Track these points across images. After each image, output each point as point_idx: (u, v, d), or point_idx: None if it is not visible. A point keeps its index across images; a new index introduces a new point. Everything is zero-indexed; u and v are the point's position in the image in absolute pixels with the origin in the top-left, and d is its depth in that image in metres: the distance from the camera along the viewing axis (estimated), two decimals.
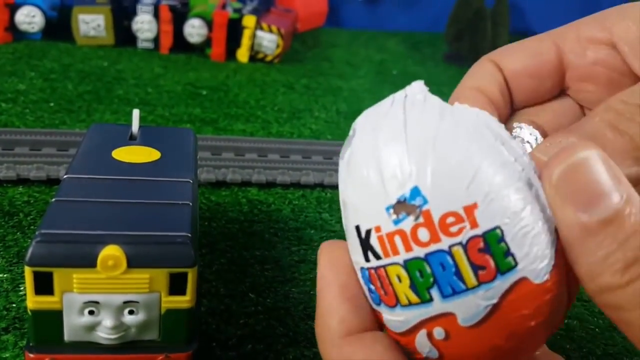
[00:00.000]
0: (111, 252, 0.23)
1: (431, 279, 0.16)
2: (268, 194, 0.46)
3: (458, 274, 0.16)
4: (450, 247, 0.16)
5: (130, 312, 0.24)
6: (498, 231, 0.16)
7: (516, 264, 0.16)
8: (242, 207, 0.44)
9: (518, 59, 0.22)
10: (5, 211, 0.39)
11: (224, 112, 0.63)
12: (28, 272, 0.23)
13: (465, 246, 0.16)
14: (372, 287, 0.18)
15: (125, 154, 0.31)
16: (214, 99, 0.67)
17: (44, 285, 0.23)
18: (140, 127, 0.35)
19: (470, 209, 0.16)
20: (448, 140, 0.16)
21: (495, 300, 0.16)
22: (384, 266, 0.17)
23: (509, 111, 0.23)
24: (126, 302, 0.24)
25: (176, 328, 0.25)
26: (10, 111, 0.55)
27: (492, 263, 0.16)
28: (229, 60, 0.82)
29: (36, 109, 0.57)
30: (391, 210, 0.17)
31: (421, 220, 0.16)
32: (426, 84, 0.19)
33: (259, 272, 0.37)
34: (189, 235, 0.25)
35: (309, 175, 0.48)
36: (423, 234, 0.16)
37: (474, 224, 0.16)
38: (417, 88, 0.18)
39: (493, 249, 0.16)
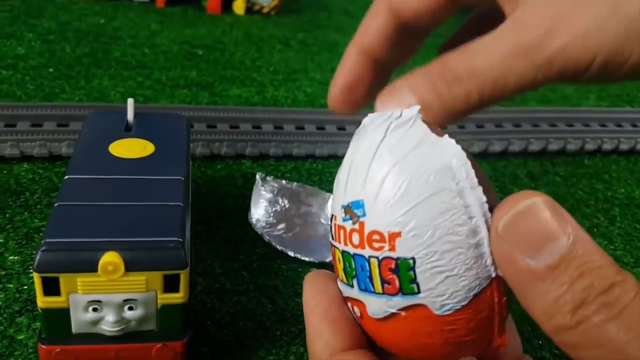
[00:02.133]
0: (110, 259, 0.26)
1: (354, 272, 0.20)
2: (261, 167, 0.49)
3: (370, 278, 0.19)
4: (369, 257, 0.19)
5: (130, 308, 0.27)
6: (410, 261, 0.18)
7: (419, 291, 0.18)
8: (237, 181, 0.46)
9: None
10: (12, 190, 0.42)
11: (220, 74, 0.64)
12: (37, 277, 0.26)
13: (380, 261, 0.19)
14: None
15: (121, 148, 0.33)
16: (210, 59, 0.67)
17: (51, 287, 0.26)
18: (135, 114, 0.36)
19: (393, 236, 0.18)
20: (404, 171, 0.18)
21: (394, 310, 0.19)
22: (334, 247, 0.20)
23: (400, 53, 0.24)
24: (126, 300, 0.27)
25: (172, 320, 0.28)
26: (11, 79, 0.57)
27: (397, 283, 0.18)
28: (225, 13, 0.81)
29: (36, 76, 0.58)
30: (342, 210, 0.20)
31: (357, 227, 0.19)
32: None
33: (251, 249, 0.40)
34: (180, 240, 0.27)
35: (300, 148, 0.50)
36: (355, 238, 0.19)
37: (392, 249, 0.18)
38: (411, 112, 0.19)
39: (401, 273, 0.18)
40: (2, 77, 0.57)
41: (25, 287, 0.34)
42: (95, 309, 0.27)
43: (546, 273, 0.16)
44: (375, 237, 0.18)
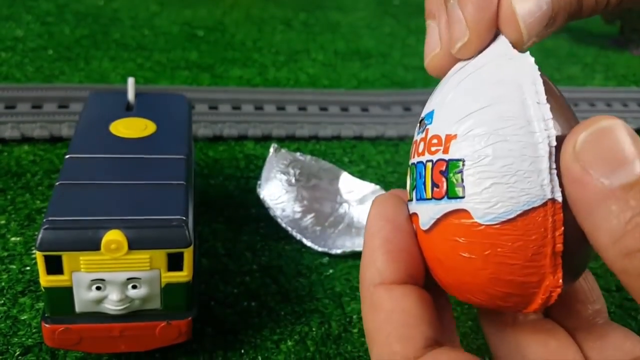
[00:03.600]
0: (113, 237, 0.25)
1: (414, 183, 0.20)
2: (264, 148, 0.48)
3: (424, 184, 0.19)
4: (426, 161, 0.19)
5: (134, 287, 0.27)
6: (460, 163, 0.18)
7: (463, 195, 0.18)
8: (239, 163, 0.46)
9: None
10: (13, 172, 0.42)
11: (221, 56, 0.63)
12: (39, 256, 0.25)
13: (433, 164, 0.19)
14: None
15: (122, 128, 0.32)
16: (211, 40, 0.67)
17: (54, 266, 0.26)
18: (136, 95, 0.36)
19: (449, 138, 0.18)
20: (475, 79, 0.19)
21: (438, 216, 0.19)
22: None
23: None
24: (129, 279, 0.27)
25: (176, 299, 0.28)
26: (10, 61, 0.56)
27: (444, 185, 0.18)
28: None
29: (35, 58, 0.57)
30: (418, 125, 0.21)
31: (423, 135, 0.20)
32: None
33: (254, 230, 0.39)
34: (184, 218, 0.27)
35: (303, 129, 0.49)
36: (421, 147, 0.20)
37: (446, 150, 0.18)
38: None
39: (449, 175, 0.18)
40: (1, 59, 0.56)
41: (28, 268, 0.34)
42: (98, 288, 0.26)
43: (619, 193, 0.15)
44: (434, 141, 0.19)
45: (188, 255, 0.27)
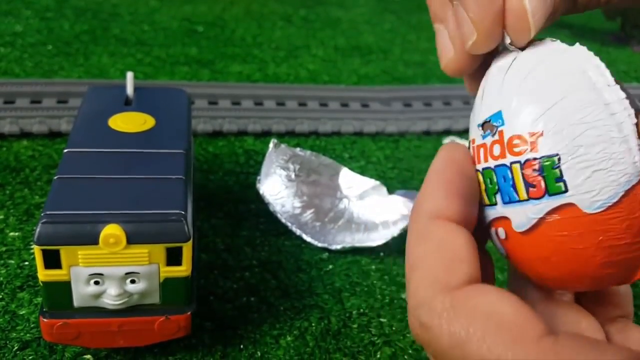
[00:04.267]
0: (112, 231, 0.25)
1: (496, 187, 0.20)
2: (264, 143, 0.48)
3: (514, 186, 0.19)
4: (511, 163, 0.19)
5: (132, 282, 0.27)
6: (555, 159, 0.18)
7: (566, 190, 0.18)
8: (239, 158, 0.46)
9: None
10: (12, 167, 0.41)
11: (221, 51, 0.63)
12: (37, 250, 0.25)
13: (522, 165, 0.19)
14: None
15: (121, 122, 0.32)
16: (211, 36, 0.66)
17: (52, 260, 0.26)
18: (135, 89, 0.36)
19: (535, 135, 0.18)
20: (539, 75, 0.19)
21: (541, 215, 0.18)
22: (476, 171, 0.21)
23: None
24: (128, 273, 0.26)
25: (175, 293, 0.28)
26: (9, 56, 0.56)
27: (542, 183, 0.18)
28: None
29: (34, 53, 0.57)
30: (481, 127, 0.20)
31: (497, 138, 0.19)
32: None
33: (254, 226, 0.39)
34: (183, 212, 0.26)
35: (303, 124, 0.49)
36: (496, 150, 0.19)
37: (534, 149, 0.18)
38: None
39: (546, 173, 0.18)
40: (0, 54, 0.56)
41: (27, 263, 0.34)
42: (97, 282, 0.26)
43: None
44: (516, 141, 0.19)
45: (187, 249, 0.27)
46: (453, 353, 0.17)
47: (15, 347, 0.29)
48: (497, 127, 0.19)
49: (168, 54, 0.61)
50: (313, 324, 0.33)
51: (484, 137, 0.20)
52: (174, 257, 0.27)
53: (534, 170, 0.18)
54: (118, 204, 0.26)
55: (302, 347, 0.31)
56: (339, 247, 0.38)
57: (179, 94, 0.37)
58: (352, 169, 0.44)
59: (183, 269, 0.27)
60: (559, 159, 0.18)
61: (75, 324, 0.27)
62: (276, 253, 0.37)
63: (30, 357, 0.29)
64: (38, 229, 0.25)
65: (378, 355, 0.31)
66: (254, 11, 0.76)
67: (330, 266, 0.37)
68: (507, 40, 0.20)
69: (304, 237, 0.38)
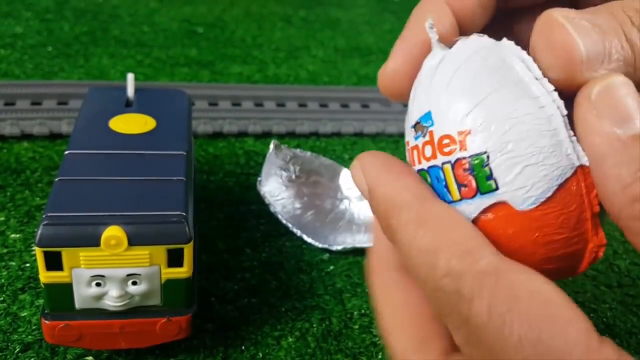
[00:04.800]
0: (113, 233, 0.25)
1: (431, 188, 0.19)
2: (264, 144, 0.48)
3: (447, 187, 0.19)
4: (442, 164, 0.19)
5: (134, 283, 0.27)
6: (484, 156, 0.18)
7: (497, 188, 0.18)
8: (239, 159, 0.46)
9: None
10: (12, 169, 0.41)
11: (221, 52, 0.63)
12: (39, 252, 0.25)
13: (453, 165, 0.18)
14: None
15: (121, 124, 0.32)
16: (210, 37, 0.66)
17: (53, 262, 0.26)
18: (135, 90, 0.36)
19: (463, 134, 0.18)
20: (466, 72, 0.18)
21: (475, 215, 0.18)
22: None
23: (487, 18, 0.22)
24: (129, 275, 0.26)
25: (176, 295, 0.28)
26: (10, 58, 0.56)
27: (473, 183, 0.18)
28: None
29: (34, 55, 0.57)
30: (413, 129, 0.20)
31: (427, 138, 0.19)
32: None
33: (254, 227, 0.39)
34: (184, 214, 0.27)
35: (303, 125, 0.49)
36: (428, 151, 0.19)
37: (463, 147, 0.18)
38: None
39: (476, 171, 0.18)
40: (0, 56, 0.56)
41: (28, 264, 0.34)
42: (98, 284, 0.26)
43: (632, 142, 0.16)
44: (445, 141, 0.18)
45: (188, 251, 0.27)
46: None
47: (17, 349, 0.29)
48: (427, 127, 0.19)
49: (168, 55, 0.61)
50: (314, 325, 0.33)
51: (416, 138, 0.20)
52: (175, 259, 0.27)
53: (465, 169, 0.18)
54: (119, 206, 0.26)
55: (303, 348, 0.31)
56: (339, 248, 0.38)
57: (179, 95, 0.37)
58: None
59: (184, 271, 0.27)
60: (488, 157, 0.17)
61: (77, 326, 0.27)
62: (277, 254, 0.37)
63: (32, 359, 0.29)
64: (39, 231, 0.25)
65: (379, 356, 0.31)
66: (253, 12, 0.76)
67: (331, 267, 0.37)
68: (435, 38, 0.20)
69: (305, 238, 0.38)
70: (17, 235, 0.36)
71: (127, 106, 0.34)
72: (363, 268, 0.37)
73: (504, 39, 0.19)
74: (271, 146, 0.41)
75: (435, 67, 0.19)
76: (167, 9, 0.73)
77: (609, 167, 0.16)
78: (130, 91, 0.35)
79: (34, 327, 0.30)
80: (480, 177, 0.18)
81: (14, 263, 0.34)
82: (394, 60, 0.21)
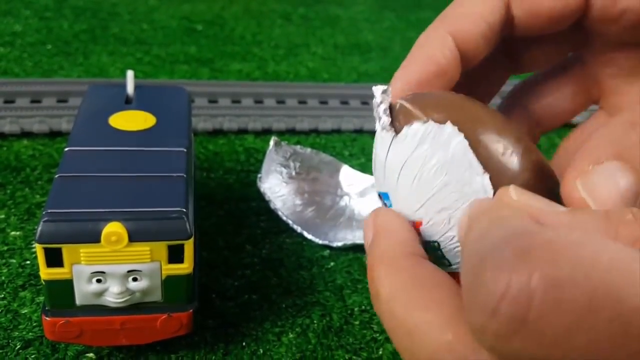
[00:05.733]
0: (113, 229, 0.25)
1: None
2: (264, 141, 0.48)
3: None
4: None
5: (134, 279, 0.27)
6: (435, 244, 0.20)
7: (450, 264, 0.20)
8: (239, 156, 0.46)
9: (470, 23, 0.22)
10: (12, 167, 0.41)
11: (220, 50, 0.63)
12: (39, 248, 0.25)
13: None
14: None
15: (121, 121, 0.32)
16: (210, 35, 0.66)
17: (54, 259, 0.26)
18: (135, 87, 0.36)
19: (417, 225, 0.20)
20: (414, 167, 0.19)
21: None
22: None
23: (458, 76, 0.23)
24: (130, 271, 0.26)
25: (177, 291, 0.28)
26: (9, 56, 0.56)
27: (432, 258, 0.20)
28: None
29: (34, 53, 0.57)
30: (379, 197, 0.22)
31: None
32: None
33: (254, 224, 0.39)
34: (184, 210, 0.26)
35: (303, 122, 0.49)
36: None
37: (419, 233, 0.20)
38: (378, 97, 0.21)
39: (431, 253, 0.20)
40: None
41: (28, 262, 0.34)
42: (99, 280, 0.26)
43: None
44: None
45: (188, 247, 0.27)
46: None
47: (18, 346, 0.29)
48: (388, 205, 0.21)
49: (167, 53, 0.61)
50: (315, 321, 0.33)
51: (382, 204, 0.22)
52: (175, 255, 0.27)
53: (425, 247, 0.20)
54: (119, 202, 0.26)
55: (304, 344, 0.31)
56: (340, 244, 0.38)
57: (179, 92, 0.37)
58: (352, 166, 0.44)
59: (185, 267, 0.27)
60: (439, 245, 0.20)
61: (78, 323, 0.27)
62: (277, 251, 0.37)
63: (32, 356, 0.29)
64: (40, 227, 0.25)
65: (380, 352, 0.31)
66: (253, 9, 0.76)
67: (332, 263, 0.37)
68: (386, 121, 0.20)
69: (305, 234, 0.38)
70: (18, 233, 0.36)
71: (127, 103, 0.34)
72: (363, 264, 0.37)
73: (448, 124, 0.18)
74: (271, 143, 0.41)
75: (387, 149, 0.20)
76: (166, 6, 0.73)
77: None
78: (130, 88, 0.35)
79: (34, 324, 0.30)
80: (436, 256, 0.20)
81: (14, 260, 0.34)
82: (395, 87, 0.21)
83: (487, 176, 0.18)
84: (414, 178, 0.19)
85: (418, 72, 0.21)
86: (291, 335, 0.32)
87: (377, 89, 0.21)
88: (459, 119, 0.18)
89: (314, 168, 0.41)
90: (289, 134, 0.49)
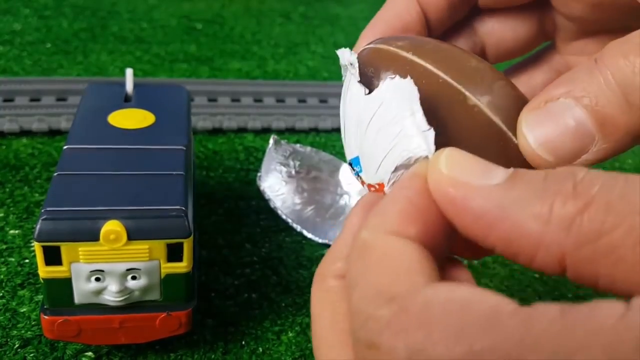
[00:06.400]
0: (112, 227, 0.25)
1: None
2: (263, 140, 0.48)
3: None
4: None
5: (133, 278, 0.27)
6: None
7: None
8: (239, 155, 0.46)
9: None
10: (11, 165, 0.41)
11: (220, 48, 0.63)
12: (37, 247, 0.25)
13: None
14: None
15: (120, 119, 0.32)
16: (210, 33, 0.66)
17: (52, 257, 0.25)
18: (135, 86, 0.36)
19: (381, 187, 0.20)
20: (378, 122, 0.19)
21: None
22: None
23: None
24: (129, 270, 0.26)
25: (176, 290, 0.28)
26: (8, 54, 0.56)
27: None
28: None
29: (33, 51, 0.57)
30: (350, 166, 0.22)
31: (361, 181, 0.21)
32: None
33: (254, 222, 0.39)
34: (183, 208, 0.26)
35: (303, 121, 0.49)
36: (364, 191, 0.21)
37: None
38: (346, 57, 0.20)
39: None
40: None
41: (27, 260, 0.34)
42: (97, 279, 0.26)
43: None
44: (372, 188, 0.20)
45: (188, 245, 0.27)
46: None
47: (17, 345, 0.29)
48: (358, 172, 0.21)
49: (167, 52, 0.61)
50: None
51: (354, 174, 0.21)
52: (174, 253, 0.27)
53: None
54: (118, 200, 0.26)
55: (303, 342, 0.31)
56: None
57: (178, 91, 0.36)
58: None
59: (184, 265, 0.27)
60: None
61: (76, 321, 0.27)
62: (277, 249, 0.37)
63: (31, 355, 0.29)
64: (38, 226, 0.25)
65: None
66: (252, 8, 0.76)
67: None
68: (356, 77, 0.20)
69: (305, 233, 0.38)
70: (16, 232, 0.36)
71: (126, 101, 0.34)
72: None
73: (408, 78, 0.18)
74: (271, 141, 0.40)
75: (359, 108, 0.19)
76: (166, 5, 0.73)
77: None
78: (129, 86, 0.35)
79: (33, 323, 0.30)
80: None
81: (13, 259, 0.34)
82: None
83: (431, 133, 0.17)
84: (374, 134, 0.19)
85: (384, 28, 0.22)
86: (291, 334, 0.32)
87: (343, 51, 0.21)
88: (435, 58, 0.19)
89: (313, 167, 0.41)
90: (288, 133, 0.49)
